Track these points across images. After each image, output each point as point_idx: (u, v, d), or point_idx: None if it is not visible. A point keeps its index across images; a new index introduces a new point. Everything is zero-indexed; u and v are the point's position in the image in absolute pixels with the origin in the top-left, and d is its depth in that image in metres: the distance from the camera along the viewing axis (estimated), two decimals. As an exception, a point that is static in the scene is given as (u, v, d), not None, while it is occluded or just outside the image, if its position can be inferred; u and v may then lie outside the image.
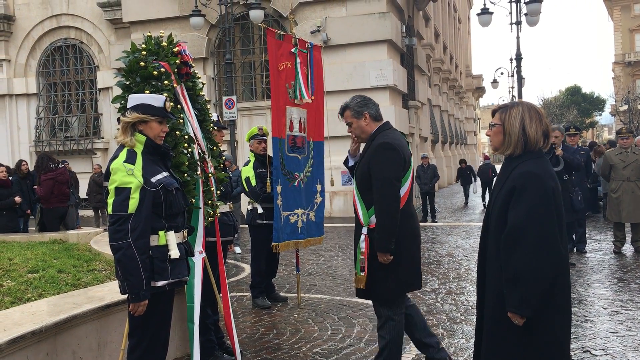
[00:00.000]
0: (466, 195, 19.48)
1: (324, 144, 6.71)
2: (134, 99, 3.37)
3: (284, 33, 6.35)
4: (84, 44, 20.00)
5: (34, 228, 10.19)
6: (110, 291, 4.57)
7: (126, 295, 3.17)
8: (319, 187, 6.50)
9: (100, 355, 4.15)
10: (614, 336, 5.03)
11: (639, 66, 58.83)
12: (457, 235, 11.83)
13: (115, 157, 3.28)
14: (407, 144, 4.04)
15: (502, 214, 2.71)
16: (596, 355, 4.59)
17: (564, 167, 7.89)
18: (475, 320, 3.08)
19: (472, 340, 4.91)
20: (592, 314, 5.73)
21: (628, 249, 9.07)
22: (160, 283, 3.20)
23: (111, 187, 3.18)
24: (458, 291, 6.90)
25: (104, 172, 14.06)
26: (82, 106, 20.19)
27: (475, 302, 6.18)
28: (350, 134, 4.17)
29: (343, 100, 15.44)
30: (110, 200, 3.16)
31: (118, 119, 3.43)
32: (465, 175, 19.34)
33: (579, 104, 65.88)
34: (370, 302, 6.41)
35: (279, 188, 5.98)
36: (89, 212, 16.43)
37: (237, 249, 10.33)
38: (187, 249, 3.46)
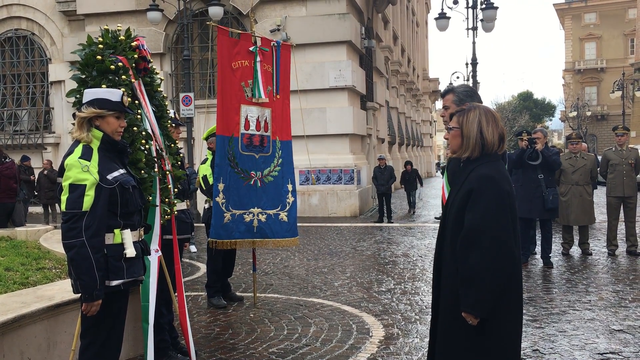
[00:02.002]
0: (410, 203, 17.06)
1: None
2: (90, 94, 3.29)
3: (240, 31, 6.31)
4: (35, 35, 19.41)
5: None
6: (60, 290, 4.45)
7: (79, 295, 3.09)
8: (290, 187, 6.37)
9: (50, 356, 4.04)
10: (562, 335, 5.20)
11: (588, 74, 60.90)
12: (412, 236, 12.00)
13: (69, 152, 3.19)
14: None
15: (459, 215, 2.77)
16: (545, 354, 4.72)
17: (541, 164, 8.16)
18: (429, 320, 3.12)
19: (427, 340, 4.99)
20: (541, 314, 5.90)
21: (575, 250, 9.37)
22: (115, 282, 3.14)
23: (65, 184, 3.10)
24: (413, 291, 7.00)
25: (54, 167, 13.60)
26: (33, 99, 19.59)
27: (429, 302, 6.28)
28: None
29: (302, 100, 15.57)
30: (64, 197, 3.07)
31: (74, 114, 3.34)
32: (410, 179, 16.71)
33: (530, 109, 67.72)
34: (326, 302, 6.47)
35: (220, 186, 5.94)
36: (39, 209, 15.96)
37: (193, 248, 10.22)
38: (143, 248, 3.39)
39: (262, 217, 6.22)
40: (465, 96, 3.72)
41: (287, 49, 6.54)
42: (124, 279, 3.18)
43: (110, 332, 3.23)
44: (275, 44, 6.37)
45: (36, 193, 14.68)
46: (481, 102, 3.78)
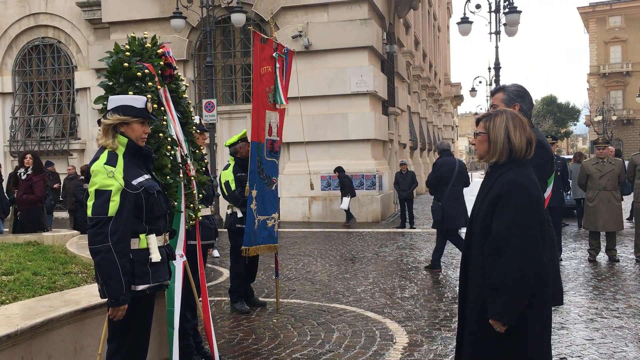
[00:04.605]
0: (347, 214, 15.25)
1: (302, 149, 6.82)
2: (114, 101, 3.33)
3: (267, 37, 6.36)
4: (62, 43, 19.73)
5: (7, 229, 9.99)
6: (87, 294, 4.49)
7: (105, 300, 3.12)
8: None
9: (77, 360, 4.08)
10: (590, 343, 5.10)
11: (613, 78, 59.99)
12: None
13: (95, 159, 3.23)
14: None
15: (487, 221, 2.73)
16: (572, 362, 4.65)
17: None
18: (454, 327, 3.09)
19: (451, 347, 4.95)
20: (569, 321, 5.80)
21: (602, 257, 9.21)
22: (140, 287, 3.16)
23: (91, 190, 3.14)
24: (437, 297, 6.93)
25: (77, 173, 13.80)
26: (59, 106, 19.90)
27: (453, 308, 6.22)
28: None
29: (324, 105, 15.64)
30: (90, 203, 3.11)
31: (99, 121, 3.38)
32: (343, 186, 14.99)
33: (554, 113, 66.95)
34: (349, 307, 6.45)
35: (254, 192, 6.00)
36: (65, 214, 16.19)
37: (216, 253, 10.26)
38: (168, 253, 3.42)
39: (276, 222, 6.35)
40: (516, 96, 3.57)
41: (291, 56, 6.64)
42: (149, 283, 3.20)
43: (136, 337, 3.26)
44: (286, 51, 6.45)
45: (61, 199, 14.88)
46: (531, 104, 3.62)
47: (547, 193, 3.48)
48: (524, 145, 2.77)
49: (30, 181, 8.87)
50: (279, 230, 6.72)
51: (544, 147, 3.39)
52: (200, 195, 4.48)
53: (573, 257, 9.41)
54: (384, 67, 18.77)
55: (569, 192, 12.12)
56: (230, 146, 6.61)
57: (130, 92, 3.60)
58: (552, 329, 5.31)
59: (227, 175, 6.48)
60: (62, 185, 14.79)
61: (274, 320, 6.04)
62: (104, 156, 3.21)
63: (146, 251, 3.22)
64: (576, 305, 6.42)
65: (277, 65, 6.26)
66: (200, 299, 4.55)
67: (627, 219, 12.88)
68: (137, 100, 3.32)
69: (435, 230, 9.22)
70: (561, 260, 8.98)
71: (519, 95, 3.58)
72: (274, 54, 6.24)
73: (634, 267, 8.48)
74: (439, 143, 9.47)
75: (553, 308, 3.55)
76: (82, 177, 10.77)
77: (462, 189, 8.74)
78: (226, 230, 6.72)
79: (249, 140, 6.24)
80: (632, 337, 5.24)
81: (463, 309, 2.95)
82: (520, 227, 2.62)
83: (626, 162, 9.71)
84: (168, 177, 3.73)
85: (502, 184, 2.73)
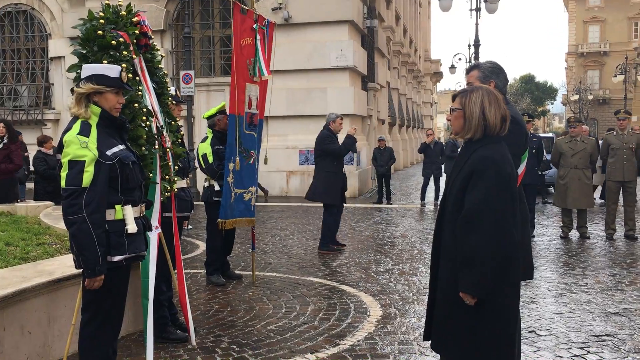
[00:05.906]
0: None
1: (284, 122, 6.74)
2: (88, 69, 3.26)
3: (247, 8, 6.27)
4: (35, 10, 19.21)
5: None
6: (60, 265, 4.47)
7: (80, 270, 3.10)
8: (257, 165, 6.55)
9: (50, 330, 4.07)
10: (558, 317, 5.24)
11: (591, 57, 60.51)
12: (411, 217, 12.02)
13: (68, 129, 3.18)
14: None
15: (460, 197, 2.77)
16: (541, 336, 4.77)
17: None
18: (427, 300, 3.14)
19: (423, 320, 5.03)
20: (539, 295, 5.94)
21: (574, 234, 9.40)
22: (116, 258, 3.15)
23: (64, 160, 3.09)
24: (411, 272, 7.03)
25: (53, 144, 13.46)
26: (33, 75, 19.46)
27: (427, 282, 6.32)
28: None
29: (303, 79, 15.46)
30: (63, 174, 3.07)
31: (72, 90, 3.32)
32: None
33: (532, 92, 67.42)
34: (324, 281, 6.51)
35: (231, 165, 5.99)
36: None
37: (188, 225, 10.21)
38: (144, 224, 3.40)
39: (254, 196, 6.34)
40: (490, 72, 3.58)
41: (272, 28, 6.56)
42: (125, 254, 3.19)
43: (111, 307, 3.25)
44: (266, 23, 6.37)
45: (32, 169, 14.63)
46: (506, 79, 3.64)
47: (521, 169, 3.53)
48: (498, 121, 2.80)
49: (8, 150, 8.70)
50: (257, 204, 6.72)
51: (518, 123, 3.41)
52: (176, 167, 4.45)
53: (545, 234, 9.59)
54: (364, 42, 18.66)
55: (545, 171, 12.25)
56: (208, 118, 6.55)
57: (105, 61, 3.54)
58: (522, 303, 5.44)
59: (204, 148, 6.44)
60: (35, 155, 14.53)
61: (250, 293, 6.07)
62: (76, 126, 3.16)
63: (122, 222, 3.20)
64: (546, 280, 6.57)
65: (258, 37, 6.19)
66: (176, 271, 4.56)
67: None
68: (111, 70, 3.26)
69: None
70: (534, 236, 9.14)
71: (493, 72, 3.59)
72: (254, 26, 6.17)
73: (604, 244, 8.68)
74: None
75: (523, 282, 3.62)
76: (40, 149, 10.60)
77: (323, 164, 8.45)
78: (203, 203, 6.71)
79: (228, 113, 6.19)
80: (599, 312, 5.38)
81: (434, 282, 3.01)
82: (492, 203, 2.66)
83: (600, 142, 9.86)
84: (143, 148, 3.70)
85: (475, 160, 2.76)
